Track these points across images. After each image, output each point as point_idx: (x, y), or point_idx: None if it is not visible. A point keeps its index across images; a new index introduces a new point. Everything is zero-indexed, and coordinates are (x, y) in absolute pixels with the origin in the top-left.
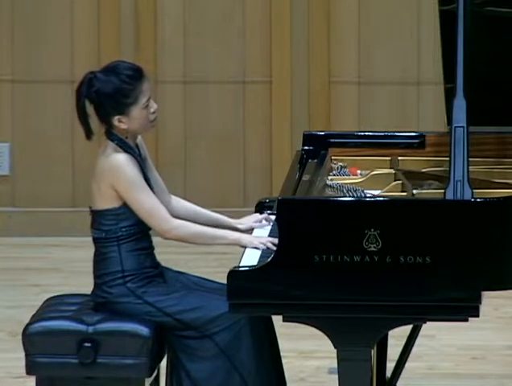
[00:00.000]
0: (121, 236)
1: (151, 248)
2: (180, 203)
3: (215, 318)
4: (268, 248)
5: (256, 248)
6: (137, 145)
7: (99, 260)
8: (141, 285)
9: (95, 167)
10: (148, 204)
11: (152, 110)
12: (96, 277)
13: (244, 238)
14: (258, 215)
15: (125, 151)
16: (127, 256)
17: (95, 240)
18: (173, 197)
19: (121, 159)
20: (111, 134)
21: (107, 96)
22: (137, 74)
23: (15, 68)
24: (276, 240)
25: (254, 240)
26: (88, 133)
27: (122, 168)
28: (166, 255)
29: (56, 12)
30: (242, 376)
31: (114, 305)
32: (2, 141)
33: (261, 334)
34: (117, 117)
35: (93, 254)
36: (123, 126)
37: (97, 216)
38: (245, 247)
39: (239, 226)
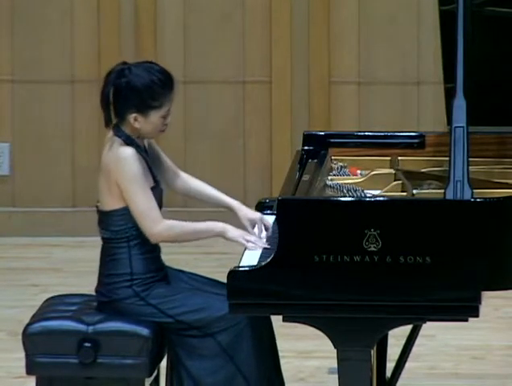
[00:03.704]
0: (131, 235)
1: (158, 250)
2: (189, 182)
3: (218, 318)
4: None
5: (251, 248)
6: (144, 147)
7: (108, 261)
8: (145, 289)
9: (101, 163)
10: (142, 206)
11: (166, 122)
12: (103, 275)
13: (230, 231)
14: (258, 215)
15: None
16: (137, 258)
17: (104, 240)
18: (183, 174)
19: (128, 153)
20: (119, 130)
21: (135, 90)
22: (170, 82)
23: (15, 68)
24: (263, 234)
25: (240, 236)
26: (108, 121)
27: (127, 161)
28: (167, 255)
29: (56, 12)
30: (245, 377)
31: (117, 306)
32: (2, 141)
33: (262, 336)
34: (134, 115)
35: (101, 252)
36: (137, 125)
37: (106, 217)
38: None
39: (238, 212)
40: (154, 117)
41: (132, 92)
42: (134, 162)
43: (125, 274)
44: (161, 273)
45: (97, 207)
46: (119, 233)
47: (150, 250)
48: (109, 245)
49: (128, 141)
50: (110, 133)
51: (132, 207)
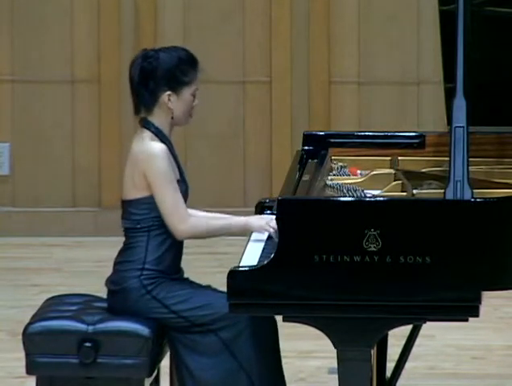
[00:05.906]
0: (153, 226)
1: (178, 253)
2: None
3: (221, 316)
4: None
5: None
6: (170, 141)
7: (125, 249)
8: (152, 283)
9: (129, 153)
10: (171, 201)
11: (195, 102)
12: (116, 263)
13: (254, 222)
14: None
15: (161, 140)
16: (153, 249)
17: (125, 231)
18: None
19: (158, 149)
20: (147, 123)
21: (166, 68)
22: (195, 61)
23: (15, 68)
24: None
25: (265, 225)
26: (138, 108)
27: (157, 158)
28: None
29: (56, 12)
30: (248, 373)
31: (124, 296)
32: (2, 141)
33: (264, 333)
34: (168, 93)
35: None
36: (170, 105)
37: (129, 206)
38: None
39: None
40: (186, 94)
41: (163, 70)
42: (162, 158)
43: (137, 261)
44: (173, 276)
45: (122, 198)
46: (141, 222)
47: (170, 247)
48: (129, 235)
49: (157, 133)
50: (139, 128)
51: (160, 203)
